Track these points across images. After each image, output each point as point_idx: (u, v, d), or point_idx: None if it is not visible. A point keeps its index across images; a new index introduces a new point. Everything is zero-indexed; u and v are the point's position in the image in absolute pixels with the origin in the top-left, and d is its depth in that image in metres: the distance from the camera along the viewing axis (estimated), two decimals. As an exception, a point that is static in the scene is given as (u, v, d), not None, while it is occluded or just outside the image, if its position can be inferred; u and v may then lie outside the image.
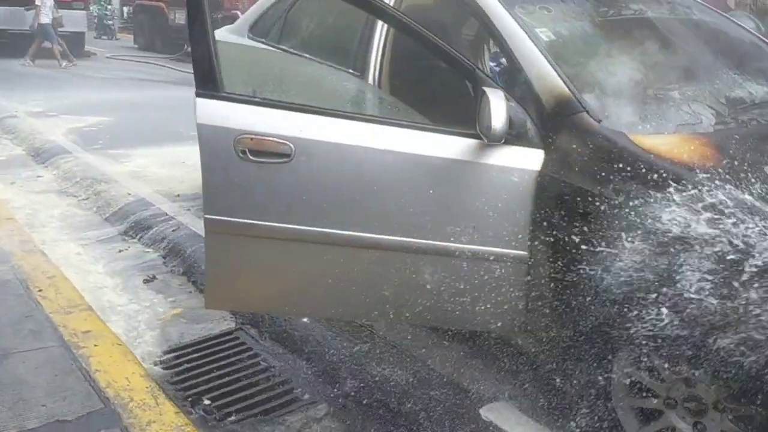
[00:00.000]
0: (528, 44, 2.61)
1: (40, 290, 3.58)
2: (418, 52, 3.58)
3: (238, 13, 17.05)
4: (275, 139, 2.49)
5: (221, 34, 4.85)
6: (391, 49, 3.21)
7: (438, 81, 3.55)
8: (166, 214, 4.79)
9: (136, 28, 21.47)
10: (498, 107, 2.29)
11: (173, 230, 4.51)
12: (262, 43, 4.25)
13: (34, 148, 6.87)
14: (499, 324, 2.66)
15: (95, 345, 3.05)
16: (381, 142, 2.50)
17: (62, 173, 5.99)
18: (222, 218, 2.55)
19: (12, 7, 15.36)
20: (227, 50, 2.70)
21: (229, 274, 2.66)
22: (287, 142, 2.48)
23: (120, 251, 4.35)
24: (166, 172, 5.95)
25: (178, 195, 5.26)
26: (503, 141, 2.37)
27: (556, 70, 2.52)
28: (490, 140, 2.35)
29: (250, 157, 2.49)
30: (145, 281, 3.91)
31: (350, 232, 2.53)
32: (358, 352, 3.03)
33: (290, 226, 2.53)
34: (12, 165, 6.33)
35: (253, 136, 2.49)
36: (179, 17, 19.13)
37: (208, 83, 2.53)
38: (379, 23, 3.19)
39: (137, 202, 5.06)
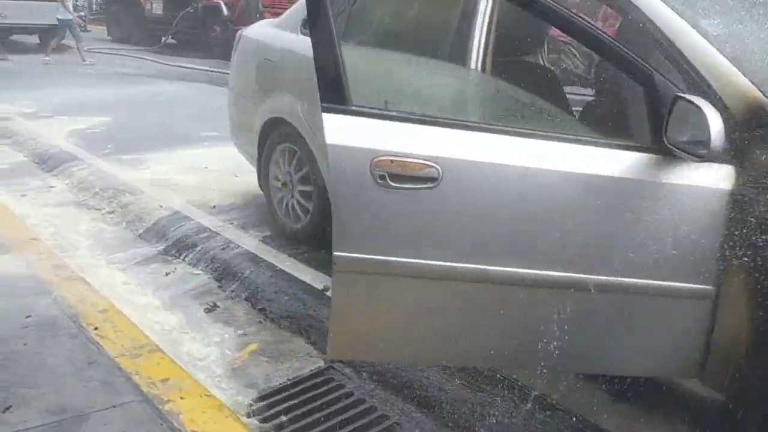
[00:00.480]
0: (701, 42, 2.23)
1: (95, 328, 3.14)
2: (523, 43, 3.21)
3: (221, 3, 16.52)
4: (420, 161, 2.09)
5: (265, 30, 4.43)
6: (495, 40, 2.83)
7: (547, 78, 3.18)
8: (209, 230, 4.35)
9: (110, 20, 20.70)
10: (714, 119, 1.92)
11: (222, 248, 4.08)
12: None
13: (37, 153, 6.34)
14: (673, 368, 2.32)
15: (181, 398, 2.63)
16: (543, 160, 2.11)
17: (76, 183, 5.49)
18: (355, 255, 2.14)
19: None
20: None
21: (361, 319, 2.25)
22: (434, 164, 2.08)
23: (167, 274, 3.91)
24: (190, 179, 5.49)
25: (214, 206, 4.81)
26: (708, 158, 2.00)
27: (744, 72, 2.15)
28: (706, 158, 1.98)
29: (390, 183, 2.08)
30: (207, 311, 3.49)
31: (508, 269, 2.14)
32: (492, 402, 2.64)
33: (438, 263, 2.13)
34: (17, 174, 5.80)
35: (394, 158, 2.09)
36: (156, 7, 18.49)
37: (336, 96, 2.12)
38: (481, 9, 2.82)
39: (172, 216, 4.61)
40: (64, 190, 5.41)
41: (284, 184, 4.20)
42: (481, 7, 2.86)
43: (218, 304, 3.55)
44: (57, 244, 4.18)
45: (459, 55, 2.84)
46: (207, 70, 14.06)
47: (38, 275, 3.69)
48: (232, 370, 2.96)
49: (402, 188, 2.09)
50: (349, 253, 2.14)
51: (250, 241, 4.18)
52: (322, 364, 3.01)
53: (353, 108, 2.12)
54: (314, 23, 2.13)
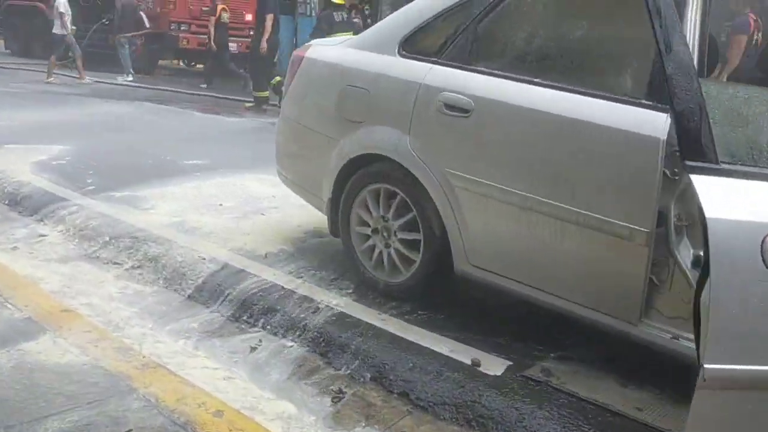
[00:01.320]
0: None
1: (225, 443, 2.42)
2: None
3: (143, 15, 15.37)
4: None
5: (343, 51, 3.77)
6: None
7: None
8: (279, 286, 3.64)
9: (8, 32, 19.10)
10: None
11: (312, 312, 3.38)
12: (438, 63, 3.25)
13: (6, 193, 5.33)
14: None
15: None
16: None
17: (73, 230, 4.57)
18: (734, 367, 1.58)
19: None
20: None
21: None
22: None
23: (252, 349, 3.18)
24: (212, 220, 4.71)
25: (265, 255, 4.08)
26: None
27: None
28: None
29: (789, 269, 1.55)
30: (335, 400, 2.80)
31: None
32: None
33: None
34: (-9, 220, 4.84)
35: (792, 236, 1.55)
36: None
37: (701, 152, 1.56)
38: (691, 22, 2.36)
39: (222, 270, 3.84)
40: (61, 239, 4.49)
41: (375, 231, 3.56)
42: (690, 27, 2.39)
43: (343, 389, 2.87)
44: (103, 320, 3.35)
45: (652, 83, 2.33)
46: (137, 87, 13.06)
47: (104, 365, 2.89)
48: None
49: (803, 275, 1.55)
50: (727, 364, 1.58)
51: (338, 300, 3.51)
52: (527, 471, 2.42)
53: (725, 167, 1.57)
54: (670, 57, 1.56)
